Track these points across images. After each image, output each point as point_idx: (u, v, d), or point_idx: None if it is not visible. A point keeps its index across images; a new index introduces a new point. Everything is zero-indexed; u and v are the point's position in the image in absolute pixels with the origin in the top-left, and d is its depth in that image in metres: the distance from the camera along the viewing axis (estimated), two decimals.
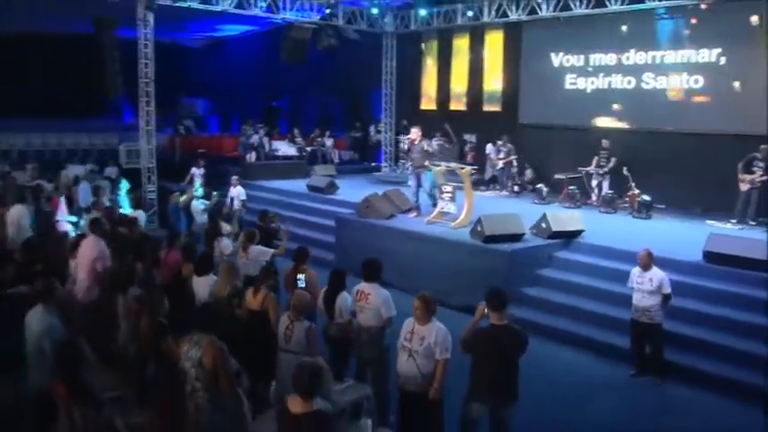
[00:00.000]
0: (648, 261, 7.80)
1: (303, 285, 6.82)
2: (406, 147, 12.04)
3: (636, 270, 7.90)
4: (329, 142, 20.33)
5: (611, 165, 13.74)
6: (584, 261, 10.04)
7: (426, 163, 11.48)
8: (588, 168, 14.11)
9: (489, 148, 16.31)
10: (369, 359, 6.60)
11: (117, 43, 13.50)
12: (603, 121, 14.97)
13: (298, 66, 17.93)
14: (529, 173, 15.79)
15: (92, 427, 4.41)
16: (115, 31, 13.53)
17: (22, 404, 5.26)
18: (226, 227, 9.42)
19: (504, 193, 15.59)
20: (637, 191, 12.86)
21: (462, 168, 11.40)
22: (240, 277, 6.79)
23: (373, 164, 20.25)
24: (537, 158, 15.87)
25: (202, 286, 6.90)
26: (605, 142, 13.92)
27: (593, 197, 13.98)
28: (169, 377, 5.17)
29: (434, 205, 11.79)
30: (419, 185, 12.13)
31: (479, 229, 10.03)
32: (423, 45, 18.94)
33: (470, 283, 9.87)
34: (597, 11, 13.78)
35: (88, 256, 7.00)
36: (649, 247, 7.98)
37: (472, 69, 17.75)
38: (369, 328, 6.50)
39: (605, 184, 13.90)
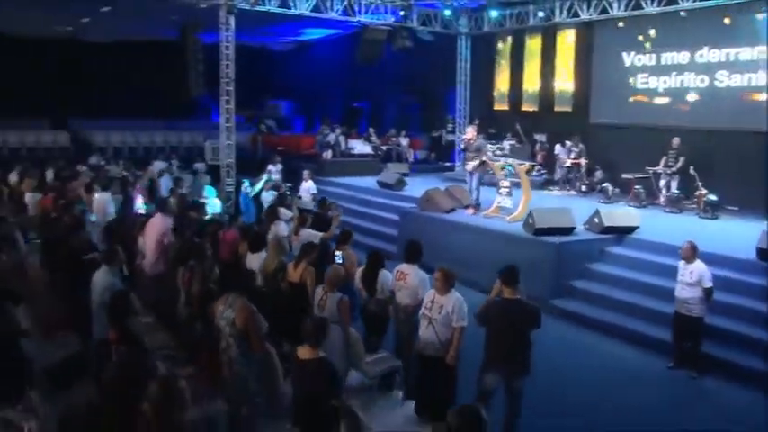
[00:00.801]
0: (691, 254, 7.79)
1: (340, 261, 7.32)
2: (462, 145, 12.28)
3: (681, 263, 7.92)
4: (404, 142, 20.82)
5: (679, 164, 13.50)
6: (636, 256, 10.05)
7: (482, 159, 11.73)
8: (656, 168, 13.93)
9: (558, 148, 16.36)
10: (404, 335, 7.03)
11: (200, 46, 14.52)
12: (674, 121, 14.70)
13: (377, 68, 18.60)
14: (599, 173, 15.69)
15: (135, 368, 5.07)
16: (199, 35, 14.54)
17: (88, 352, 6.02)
18: (286, 213, 10.07)
19: (573, 192, 15.56)
20: (704, 191, 12.60)
21: (520, 165, 11.60)
22: (287, 254, 7.38)
23: (447, 163, 20.58)
24: (607, 158, 15.74)
25: (254, 262, 7.55)
26: (675, 141, 13.70)
27: (661, 197, 13.78)
28: (211, 335, 5.81)
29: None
30: (480, 183, 12.32)
31: (530, 221, 10.23)
32: (497, 46, 19.11)
33: (523, 275, 10.10)
34: (670, 8, 13.63)
35: (155, 232, 7.83)
36: (697, 243, 7.95)
37: (544, 70, 17.79)
38: (405, 306, 6.91)
39: (674, 184, 13.67)
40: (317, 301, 6.44)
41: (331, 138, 19.35)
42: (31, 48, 21.35)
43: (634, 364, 8.17)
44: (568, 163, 15.73)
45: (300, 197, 12.90)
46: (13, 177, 13.60)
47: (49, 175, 14.17)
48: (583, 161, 15.53)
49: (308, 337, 4.46)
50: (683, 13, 13.58)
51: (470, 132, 12.08)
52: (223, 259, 7.86)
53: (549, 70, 17.62)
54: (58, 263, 7.59)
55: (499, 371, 5.77)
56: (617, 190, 14.29)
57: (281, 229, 9.16)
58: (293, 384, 4.51)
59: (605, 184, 14.39)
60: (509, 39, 18.70)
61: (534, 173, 16.32)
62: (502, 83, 19.25)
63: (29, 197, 11.52)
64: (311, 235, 8.58)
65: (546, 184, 16.44)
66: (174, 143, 22.17)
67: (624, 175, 14.35)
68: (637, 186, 13.77)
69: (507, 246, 10.44)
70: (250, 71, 23.83)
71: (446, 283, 6.11)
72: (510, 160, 11.69)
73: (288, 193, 11.56)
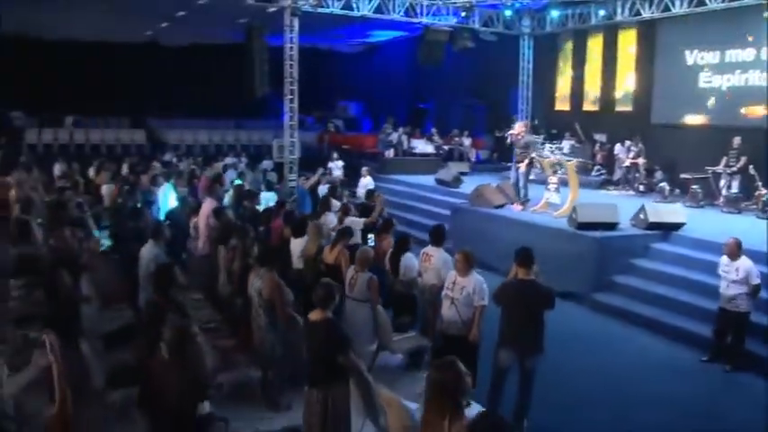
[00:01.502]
0: (736, 250, 7.72)
1: (372, 244, 7.72)
2: (509, 141, 12.38)
3: (724, 259, 7.87)
4: (467, 141, 21.03)
5: (740, 164, 13.20)
6: (682, 253, 9.98)
7: (531, 155, 11.83)
8: (716, 168, 13.65)
9: (618, 148, 16.23)
10: (429, 315, 7.34)
11: (265, 47, 15.22)
12: (736, 120, 14.35)
13: (441, 69, 18.89)
14: (658, 174, 15.47)
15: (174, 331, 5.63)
16: (266, 37, 15.25)
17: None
18: (336, 204, 10.56)
19: (631, 192, 15.39)
20: (764, 191, 12.30)
21: (569, 161, 11.68)
22: (325, 238, 7.84)
23: (509, 163, 20.61)
24: (667, 158, 15.48)
25: (297, 246, 8.06)
26: (736, 141, 13.39)
27: (721, 198, 13.49)
28: (249, 310, 6.34)
29: None
30: (527, 180, 12.41)
31: (574, 216, 10.33)
32: (558, 46, 19.08)
33: (563, 268, 10.21)
34: (734, 4, 13.35)
35: (204, 213, 8.48)
36: (747, 241, 7.90)
37: (605, 69, 17.66)
38: (431, 286, 7.23)
39: (734, 184, 13.35)
40: (348, 280, 6.85)
41: (393, 137, 19.81)
42: (116, 52, 22.81)
43: (668, 356, 8.19)
44: (627, 163, 15.59)
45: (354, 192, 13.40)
46: (91, 171, 14.73)
47: (124, 169, 15.24)
48: (641, 161, 15.35)
49: (318, 301, 4.85)
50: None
51: (518, 128, 12.18)
52: (273, 244, 8.43)
53: (611, 70, 17.48)
54: (120, 243, 8.35)
55: (512, 349, 6.00)
56: (676, 190, 14.10)
57: (330, 219, 9.65)
58: (305, 345, 4.92)
59: (662, 184, 14.21)
60: (571, 38, 18.63)
61: (593, 173, 16.31)
62: (563, 83, 19.18)
63: (104, 189, 12.48)
64: (354, 222, 9.03)
65: (605, 184, 16.31)
66: (245, 141, 23.18)
67: (683, 175, 14.14)
68: (694, 186, 13.55)
69: (551, 240, 10.57)
70: (321, 73, 24.71)
71: (467, 265, 6.40)
72: (558, 157, 11.77)
73: (339, 186, 12.05)
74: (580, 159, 12.82)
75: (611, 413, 6.69)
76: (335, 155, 17.43)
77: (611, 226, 10.32)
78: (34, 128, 20.63)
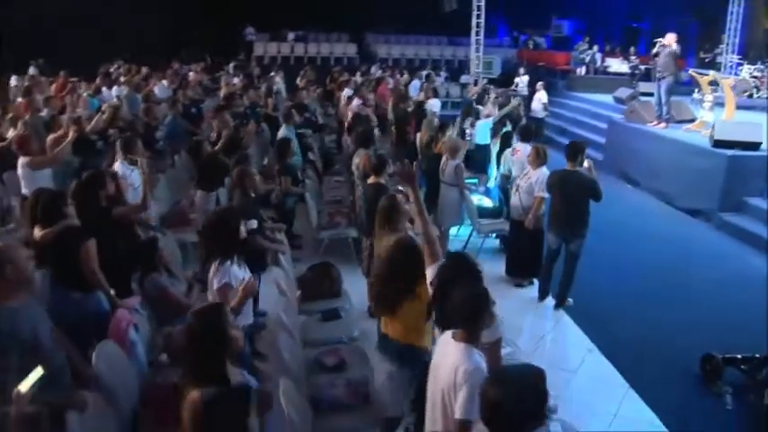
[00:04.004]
0: None
1: (469, 138, 8.87)
2: (654, 50, 12.00)
3: None
4: None
5: None
6: None
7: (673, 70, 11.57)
8: None
9: None
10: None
11: None
12: None
13: None
14: None
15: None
16: None
17: None
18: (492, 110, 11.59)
19: None
20: None
21: (725, 78, 11.36)
22: (435, 130, 9.08)
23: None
24: None
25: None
26: None
27: None
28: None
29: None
30: (669, 95, 11.99)
31: (711, 133, 10.28)
32: None
33: (695, 186, 10.42)
34: None
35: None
36: None
37: None
38: (515, 177, 8.19)
39: None
40: (441, 165, 8.12)
41: (587, 55, 19.75)
42: None
43: None
44: None
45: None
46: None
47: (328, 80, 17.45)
48: None
49: (371, 170, 6.24)
50: None
51: (669, 38, 11.79)
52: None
53: None
54: None
55: (558, 232, 6.90)
56: None
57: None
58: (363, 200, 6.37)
59: None
60: None
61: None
62: None
63: (303, 94, 14.65)
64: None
65: None
66: (449, 57, 24.34)
67: None
68: None
69: (687, 156, 10.66)
70: None
71: (537, 159, 7.31)
72: (712, 73, 11.46)
73: (488, 92, 12.97)
74: (740, 78, 12.21)
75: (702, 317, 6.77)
76: (522, 70, 18.08)
77: (752, 146, 10.06)
78: (262, 42, 23.77)
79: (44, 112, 9.24)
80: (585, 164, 6.80)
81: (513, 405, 2.25)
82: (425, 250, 3.71)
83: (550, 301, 7.15)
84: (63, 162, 7.00)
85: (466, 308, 2.88)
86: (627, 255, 8.55)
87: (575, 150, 6.78)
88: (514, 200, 7.42)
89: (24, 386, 3.03)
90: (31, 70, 16.41)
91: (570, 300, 7.04)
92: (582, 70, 19.56)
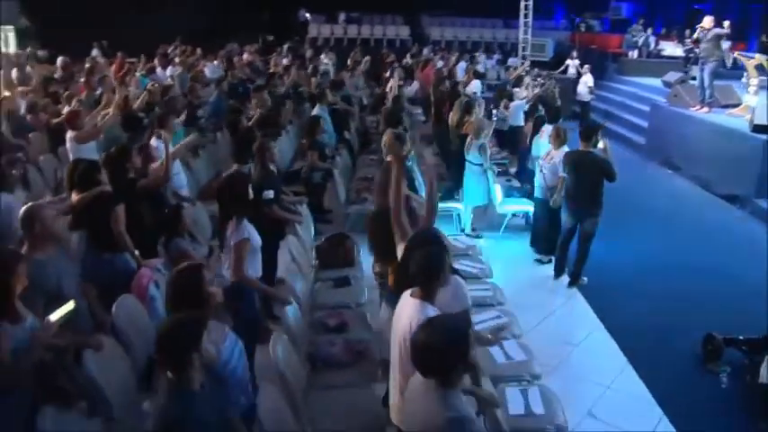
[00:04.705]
0: None
1: (496, 118, 9.06)
2: (696, 35, 11.76)
3: None
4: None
5: None
6: None
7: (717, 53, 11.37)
8: None
9: None
10: None
11: None
12: None
13: None
14: None
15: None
16: None
17: None
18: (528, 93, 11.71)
19: None
20: None
21: None
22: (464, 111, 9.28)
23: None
24: None
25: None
26: None
27: None
28: None
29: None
30: (712, 79, 11.80)
31: (751, 117, 10.14)
32: None
33: (732, 171, 10.33)
34: None
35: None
36: None
37: None
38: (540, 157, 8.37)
39: None
40: (466, 145, 8.37)
41: (640, 38, 19.39)
42: None
43: None
44: None
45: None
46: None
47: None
48: None
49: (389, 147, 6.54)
50: None
51: (707, 21, 11.58)
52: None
53: None
54: None
55: (572, 211, 7.06)
56: None
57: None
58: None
59: None
60: None
61: None
62: None
63: (345, 74, 14.99)
64: (516, 105, 10.40)
65: None
66: (502, 39, 24.24)
67: None
68: None
69: (726, 142, 10.56)
70: None
71: (557, 139, 7.50)
72: (757, 56, 11.22)
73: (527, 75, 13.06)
74: None
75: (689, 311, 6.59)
76: (574, 53, 17.96)
77: None
78: (316, 24, 24.19)
79: (98, 91, 9.88)
80: (601, 144, 6.91)
81: (440, 346, 2.54)
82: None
83: (566, 278, 7.32)
84: (112, 137, 7.57)
85: (422, 267, 3.18)
86: (653, 238, 8.59)
87: (589, 131, 6.92)
88: (539, 178, 7.63)
89: (54, 316, 3.52)
90: (94, 52, 17.26)
91: (585, 278, 7.20)
92: (634, 54, 19.23)
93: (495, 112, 9.47)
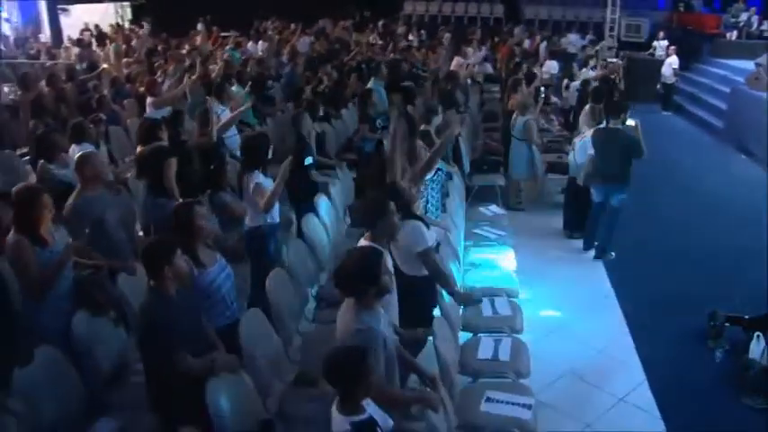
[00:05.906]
0: None
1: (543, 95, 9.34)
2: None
3: None
4: None
5: None
6: None
7: None
8: None
9: None
10: None
11: None
12: None
13: None
14: None
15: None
16: None
17: None
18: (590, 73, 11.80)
19: None
20: None
21: None
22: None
23: None
24: None
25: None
26: None
27: None
28: None
29: None
30: None
31: None
32: None
33: None
34: None
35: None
36: None
37: None
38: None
39: None
40: (512, 121, 8.73)
41: (742, 18, 18.50)
42: None
43: None
44: None
45: None
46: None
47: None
48: None
49: (420, 119, 7.06)
50: None
51: None
52: None
53: None
54: None
55: (600, 187, 7.30)
56: None
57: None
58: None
59: None
60: None
61: None
62: None
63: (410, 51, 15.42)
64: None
65: None
66: (598, 19, 23.67)
67: None
68: None
69: None
70: None
71: (592, 118, 7.75)
72: None
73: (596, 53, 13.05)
74: None
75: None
76: (661, 34, 17.50)
77: None
78: (411, 1, 24.57)
79: (186, 63, 10.96)
80: (631, 122, 7.11)
81: (353, 269, 3.17)
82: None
83: (593, 252, 7.60)
84: (195, 103, 8.55)
85: (366, 212, 3.78)
86: (703, 221, 8.58)
87: (617, 108, 7.12)
88: (569, 157, 7.90)
89: None
90: (199, 26, 18.60)
91: (612, 253, 7.45)
92: (733, 34, 18.37)
93: (542, 92, 9.74)
